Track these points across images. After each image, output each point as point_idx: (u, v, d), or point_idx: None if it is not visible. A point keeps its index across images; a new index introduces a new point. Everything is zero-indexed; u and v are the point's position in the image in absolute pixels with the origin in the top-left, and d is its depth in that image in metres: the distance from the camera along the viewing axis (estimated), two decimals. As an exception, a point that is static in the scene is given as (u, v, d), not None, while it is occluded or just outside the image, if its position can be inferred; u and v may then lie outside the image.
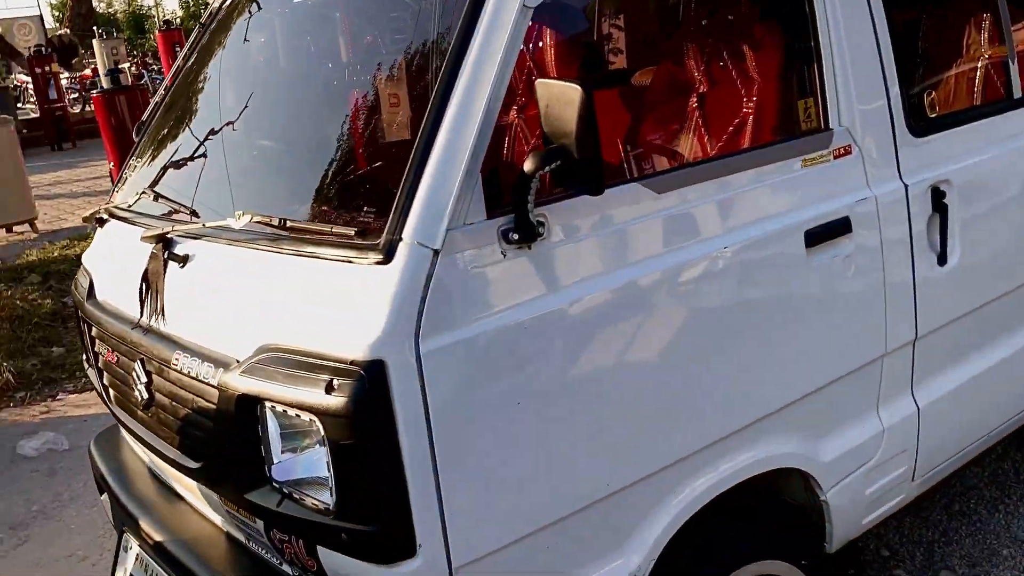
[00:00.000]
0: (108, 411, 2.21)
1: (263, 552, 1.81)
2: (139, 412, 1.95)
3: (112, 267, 2.15)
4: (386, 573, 1.51)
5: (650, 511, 1.78)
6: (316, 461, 1.52)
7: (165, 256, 1.86)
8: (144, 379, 1.88)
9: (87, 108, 15.66)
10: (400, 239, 1.47)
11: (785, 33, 2.07)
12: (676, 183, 1.77)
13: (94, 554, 3.19)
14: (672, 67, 2.21)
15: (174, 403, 1.79)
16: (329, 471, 1.49)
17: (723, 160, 1.89)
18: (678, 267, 1.73)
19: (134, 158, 2.34)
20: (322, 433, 1.47)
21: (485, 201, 1.54)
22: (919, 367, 2.22)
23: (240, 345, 1.61)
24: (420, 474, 1.46)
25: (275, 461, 1.59)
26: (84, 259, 2.36)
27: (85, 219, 2.32)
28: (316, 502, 1.54)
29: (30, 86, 16.86)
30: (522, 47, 2.27)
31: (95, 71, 17.01)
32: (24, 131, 13.49)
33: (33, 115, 15.97)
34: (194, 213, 1.94)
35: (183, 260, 1.84)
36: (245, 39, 2.27)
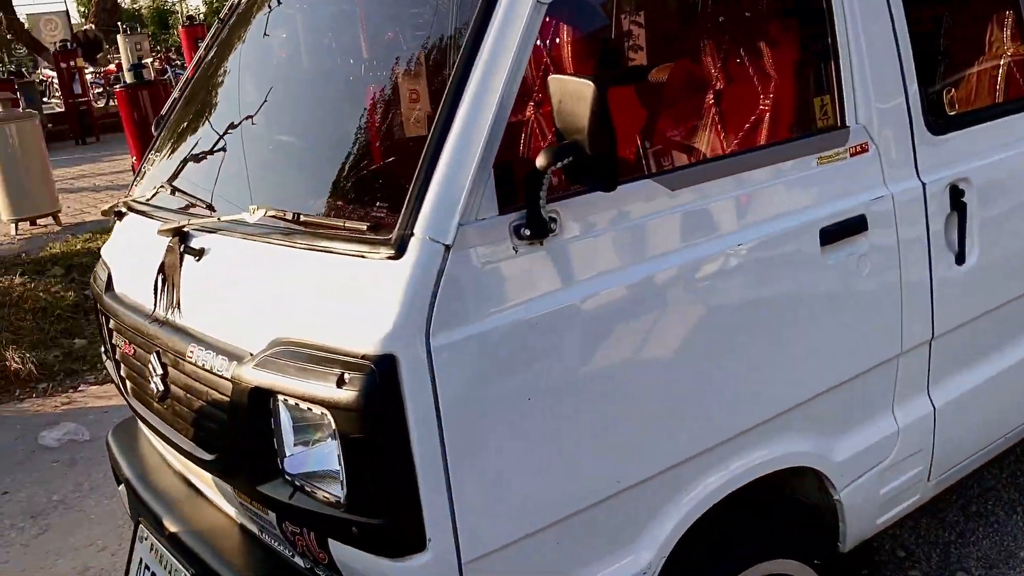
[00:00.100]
0: (125, 403, 2.24)
1: (276, 544, 1.83)
2: (155, 404, 1.97)
3: (130, 260, 2.18)
4: (396, 567, 1.52)
5: (661, 508, 1.78)
6: (327, 454, 1.53)
7: (181, 249, 1.88)
8: (160, 371, 1.90)
9: (111, 103, 15.81)
10: (412, 234, 1.47)
11: (802, 30, 2.05)
12: (690, 180, 1.76)
13: (113, 544, 3.23)
14: (688, 63, 2.20)
15: (189, 395, 1.80)
16: (340, 464, 1.50)
17: (738, 157, 1.89)
18: (692, 264, 1.73)
19: (153, 152, 2.37)
20: (333, 427, 1.48)
21: (497, 197, 1.54)
22: (935, 367, 2.20)
23: (254, 338, 1.63)
24: (430, 468, 1.47)
25: (287, 454, 1.60)
26: (103, 252, 2.38)
27: (104, 212, 2.35)
28: (327, 495, 1.55)
29: (55, 81, 17.03)
30: (538, 43, 2.29)
31: (119, 66, 17.17)
32: (49, 125, 13.64)
33: (58, 109, 16.13)
34: (210, 207, 1.95)
35: (199, 253, 1.85)
36: (265, 34, 2.28)
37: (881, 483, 2.15)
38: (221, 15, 2.44)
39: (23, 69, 20.52)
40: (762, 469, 1.91)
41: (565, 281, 1.59)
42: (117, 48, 17.81)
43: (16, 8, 18.11)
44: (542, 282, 1.57)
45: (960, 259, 2.16)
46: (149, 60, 14.95)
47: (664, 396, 1.72)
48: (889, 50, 2.04)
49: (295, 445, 1.59)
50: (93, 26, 17.65)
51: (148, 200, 2.17)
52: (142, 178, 2.33)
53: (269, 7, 2.28)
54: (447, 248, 1.47)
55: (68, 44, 15.40)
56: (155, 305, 1.94)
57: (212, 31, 2.44)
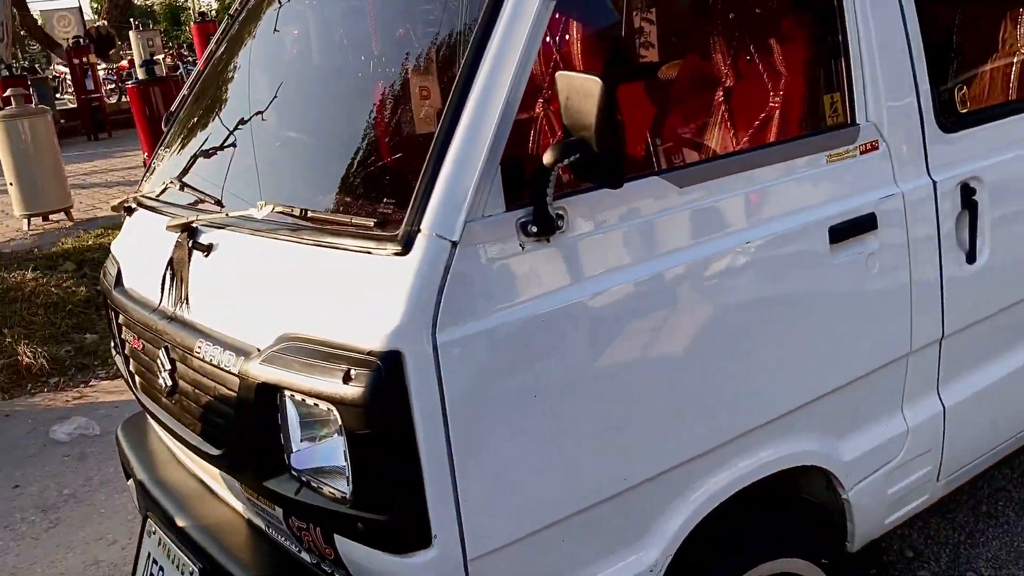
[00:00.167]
0: (134, 398, 2.25)
1: (283, 540, 1.83)
2: (163, 399, 1.98)
3: (139, 255, 2.18)
4: (401, 563, 1.52)
5: (668, 506, 1.77)
6: (334, 450, 1.53)
7: (190, 245, 1.89)
8: (168, 367, 1.90)
9: (123, 99, 15.87)
10: (418, 230, 1.47)
11: (812, 27, 2.04)
12: (698, 177, 1.75)
13: (123, 538, 3.25)
14: (697, 60, 2.19)
15: (197, 391, 1.81)
16: (346, 460, 1.51)
17: (746, 155, 1.88)
18: (699, 262, 1.72)
19: (163, 148, 2.37)
20: (339, 422, 1.49)
21: (504, 193, 1.54)
22: (945, 366, 2.19)
23: (261, 334, 1.63)
24: (436, 465, 1.47)
25: (294, 449, 1.61)
26: (113, 247, 2.39)
27: (114, 208, 2.36)
28: (333, 491, 1.55)
29: (68, 77, 17.10)
30: (548, 40, 2.28)
31: (131, 62, 17.24)
32: (62, 121, 13.69)
33: (71, 105, 16.20)
34: (219, 203, 1.96)
35: (207, 249, 1.86)
36: (275, 30, 2.28)
37: (890, 483, 2.14)
38: (231, 11, 2.45)
39: (36, 65, 20.61)
40: (770, 468, 1.90)
41: (572, 278, 1.59)
42: (129, 44, 17.89)
43: (30, 5, 18.22)
44: (549, 279, 1.56)
45: (971, 258, 2.15)
46: (161, 56, 15.01)
47: (671, 394, 1.71)
48: (900, 47, 2.02)
49: (302, 441, 1.59)
50: (106, 22, 17.75)
51: (157, 196, 2.18)
52: (152, 174, 2.34)
53: (279, 3, 2.28)
54: (454, 244, 1.47)
55: (81, 40, 15.47)
56: (163, 300, 1.94)
57: (222, 27, 2.45)
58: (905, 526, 2.75)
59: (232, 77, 2.35)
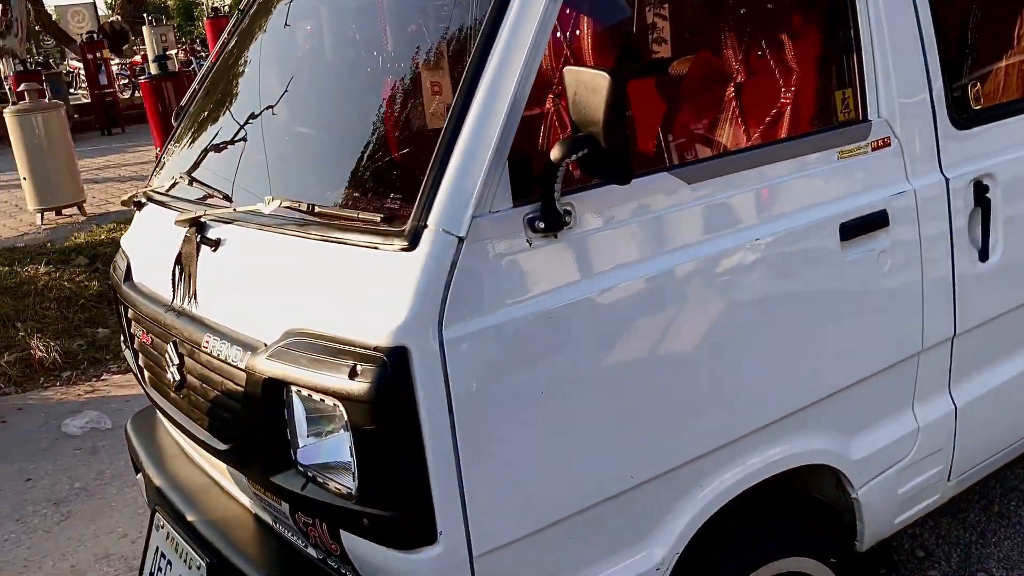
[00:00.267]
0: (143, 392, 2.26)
1: (289, 535, 1.84)
2: (172, 393, 1.98)
3: (148, 250, 2.19)
4: (407, 559, 1.52)
5: (675, 504, 1.76)
6: (340, 446, 1.53)
7: (198, 240, 1.89)
8: (176, 361, 1.91)
9: (136, 94, 15.93)
10: (425, 226, 1.47)
11: (824, 22, 2.03)
12: (707, 173, 1.74)
13: (133, 531, 3.26)
14: (707, 56, 2.17)
15: (204, 385, 1.81)
16: (352, 456, 1.50)
17: (756, 151, 1.86)
18: (708, 259, 1.71)
19: (172, 142, 2.38)
20: (345, 418, 1.48)
21: (512, 189, 1.53)
22: (957, 365, 2.17)
23: (268, 329, 1.63)
24: (442, 461, 1.47)
25: (300, 445, 1.61)
26: (123, 242, 2.40)
27: (124, 202, 2.36)
28: (339, 486, 1.55)
29: (82, 72, 17.19)
30: (558, 35, 2.27)
31: (144, 57, 17.31)
32: (75, 116, 13.77)
33: (84, 100, 16.29)
34: (227, 197, 1.96)
35: (215, 244, 1.86)
36: (285, 24, 2.28)
37: (900, 482, 2.12)
38: (241, 5, 2.45)
39: (50, 60, 20.72)
40: (779, 466, 1.89)
41: (579, 274, 1.58)
42: (143, 40, 17.95)
43: (44, 0, 18.30)
44: (556, 275, 1.56)
45: (983, 256, 2.13)
46: (174, 51, 15.06)
47: (678, 391, 1.70)
48: (913, 43, 2.00)
49: (308, 436, 1.59)
50: (119, 18, 17.79)
51: (167, 191, 2.18)
52: (161, 168, 2.34)
53: (288, -1, 2.28)
54: (460, 240, 1.47)
55: (95, 35, 15.53)
56: (172, 295, 1.95)
57: (232, 21, 2.45)
58: (916, 525, 2.73)
59: (242, 72, 2.35)
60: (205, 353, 1.76)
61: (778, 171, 1.82)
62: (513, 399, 1.52)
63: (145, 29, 17.07)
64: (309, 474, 1.60)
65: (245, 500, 1.96)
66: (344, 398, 1.46)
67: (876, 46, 1.95)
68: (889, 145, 1.97)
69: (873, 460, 2.06)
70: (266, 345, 1.61)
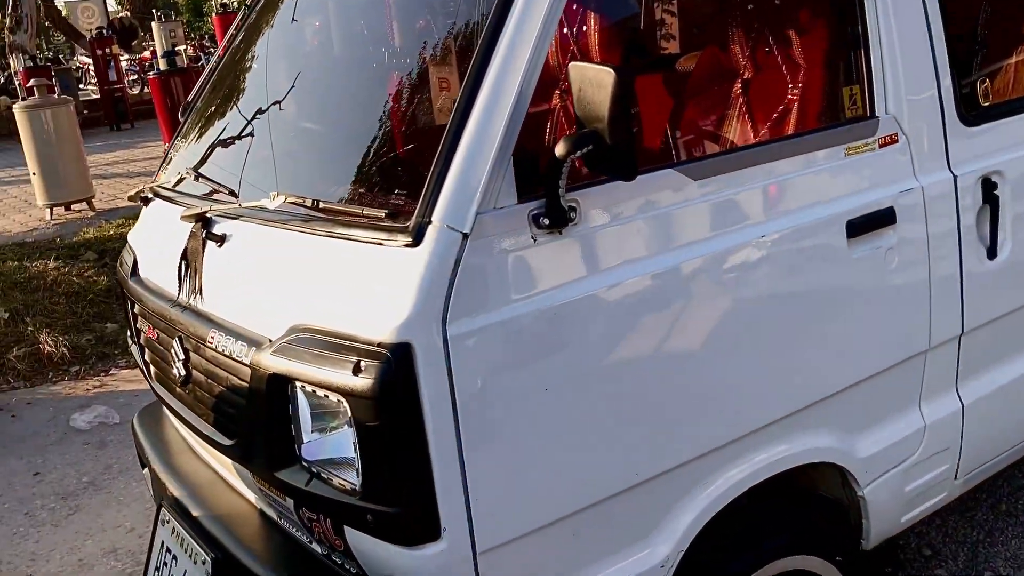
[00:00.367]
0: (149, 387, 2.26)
1: (294, 531, 1.84)
2: (177, 388, 1.99)
3: (155, 245, 2.19)
4: (410, 555, 1.52)
5: (680, 502, 1.76)
6: (344, 442, 1.53)
7: (204, 235, 1.89)
8: (182, 356, 1.91)
9: (145, 90, 15.98)
10: (429, 222, 1.46)
11: (832, 18, 2.01)
12: (713, 170, 1.73)
13: (141, 526, 3.27)
14: (716, 52, 2.16)
15: (209, 380, 1.82)
16: (356, 452, 1.50)
17: (763, 147, 1.85)
18: (713, 256, 1.70)
19: (179, 138, 2.38)
20: (349, 414, 1.49)
21: (516, 185, 1.53)
22: (964, 363, 2.16)
23: (273, 324, 1.63)
24: (445, 457, 1.46)
25: (305, 440, 1.61)
26: (129, 237, 2.40)
27: (131, 198, 2.37)
28: (343, 482, 1.55)
29: (91, 68, 17.24)
30: (565, 31, 2.27)
31: (154, 53, 17.35)
32: (85, 112, 13.80)
33: (93, 96, 16.33)
34: (233, 193, 1.96)
35: (221, 239, 1.86)
36: (292, 19, 2.28)
37: (906, 480, 2.12)
38: (249, 1, 2.45)
39: (60, 56, 20.79)
40: (785, 464, 1.89)
41: (584, 271, 1.58)
42: (152, 35, 17.99)
43: (54, -4, 18.36)
44: (560, 272, 1.55)
45: (992, 253, 2.11)
46: (183, 47, 15.09)
47: (683, 388, 1.70)
48: (921, 38, 1.99)
49: (312, 432, 1.59)
50: (129, 13, 17.85)
51: (173, 186, 2.19)
52: (168, 164, 2.34)
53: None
54: (465, 236, 1.46)
55: (104, 31, 15.58)
56: (178, 290, 1.95)
57: (240, 16, 2.45)
58: (922, 524, 2.72)
59: (248, 67, 2.35)
60: (210, 348, 1.77)
61: (785, 168, 1.81)
62: (517, 395, 1.52)
63: (154, 25, 17.12)
64: (313, 470, 1.60)
65: (250, 496, 1.97)
66: (348, 394, 1.46)
67: (884, 42, 1.93)
68: (897, 142, 1.96)
69: (879, 458, 2.05)
70: (271, 341, 1.61)
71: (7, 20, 14.24)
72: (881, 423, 2.06)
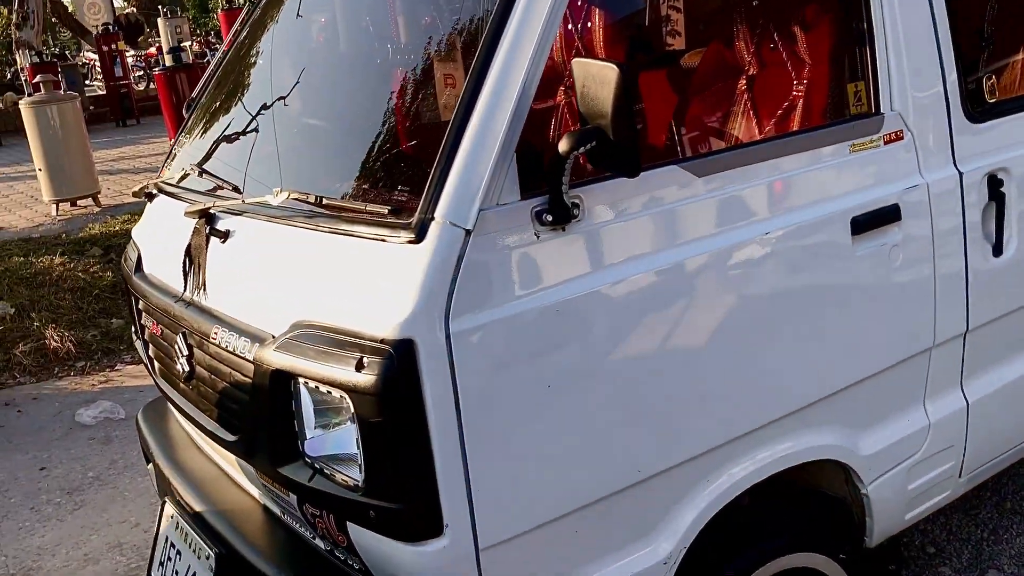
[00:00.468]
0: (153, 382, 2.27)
1: (297, 526, 1.84)
2: (181, 384, 1.99)
3: (159, 241, 2.20)
4: (413, 551, 1.52)
5: (683, 498, 1.76)
6: (347, 438, 1.53)
7: (207, 231, 1.89)
8: (186, 352, 1.92)
9: (151, 86, 16.00)
10: (432, 218, 1.46)
11: (837, 14, 2.01)
12: (717, 167, 1.73)
13: (146, 521, 3.28)
14: (719, 48, 2.16)
15: (213, 376, 1.82)
16: (358, 448, 1.51)
17: (766, 144, 1.85)
18: (717, 252, 1.70)
19: (183, 134, 2.38)
20: (352, 410, 1.49)
21: (520, 181, 1.53)
22: (969, 361, 2.16)
23: (276, 321, 1.63)
24: (448, 454, 1.46)
25: (308, 436, 1.61)
26: (134, 233, 2.41)
27: (135, 194, 2.37)
28: (346, 478, 1.55)
29: (97, 64, 17.27)
30: (569, 27, 2.26)
31: (159, 49, 17.36)
32: (91, 107, 13.85)
33: (100, 92, 16.36)
34: (237, 189, 1.96)
35: (224, 235, 1.86)
36: (298, 15, 2.28)
37: (910, 478, 2.11)
38: (252, -3, 2.45)
39: (66, 52, 20.81)
40: (788, 461, 1.88)
41: (587, 267, 1.57)
42: (158, 31, 18.01)
43: (61, -8, 18.38)
44: (563, 268, 1.55)
45: (997, 251, 2.11)
46: (188, 43, 15.10)
47: (686, 385, 1.70)
48: (927, 35, 1.98)
49: (315, 428, 1.60)
50: (135, 9, 17.87)
51: (177, 182, 2.19)
52: (172, 160, 2.35)
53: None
54: (467, 233, 1.46)
55: (110, 27, 15.60)
56: (182, 286, 1.95)
57: (244, 13, 2.45)
58: (927, 522, 2.72)
59: (253, 63, 2.35)
60: (214, 344, 1.77)
61: (789, 164, 1.81)
62: (519, 392, 1.52)
63: (160, 21, 17.13)
64: (316, 466, 1.60)
65: (254, 491, 1.97)
66: (351, 390, 1.46)
67: (889, 38, 1.93)
68: (902, 139, 1.95)
69: (883, 456, 2.04)
70: (274, 337, 1.61)
71: (14, 16, 14.27)
72: (885, 421, 2.05)
